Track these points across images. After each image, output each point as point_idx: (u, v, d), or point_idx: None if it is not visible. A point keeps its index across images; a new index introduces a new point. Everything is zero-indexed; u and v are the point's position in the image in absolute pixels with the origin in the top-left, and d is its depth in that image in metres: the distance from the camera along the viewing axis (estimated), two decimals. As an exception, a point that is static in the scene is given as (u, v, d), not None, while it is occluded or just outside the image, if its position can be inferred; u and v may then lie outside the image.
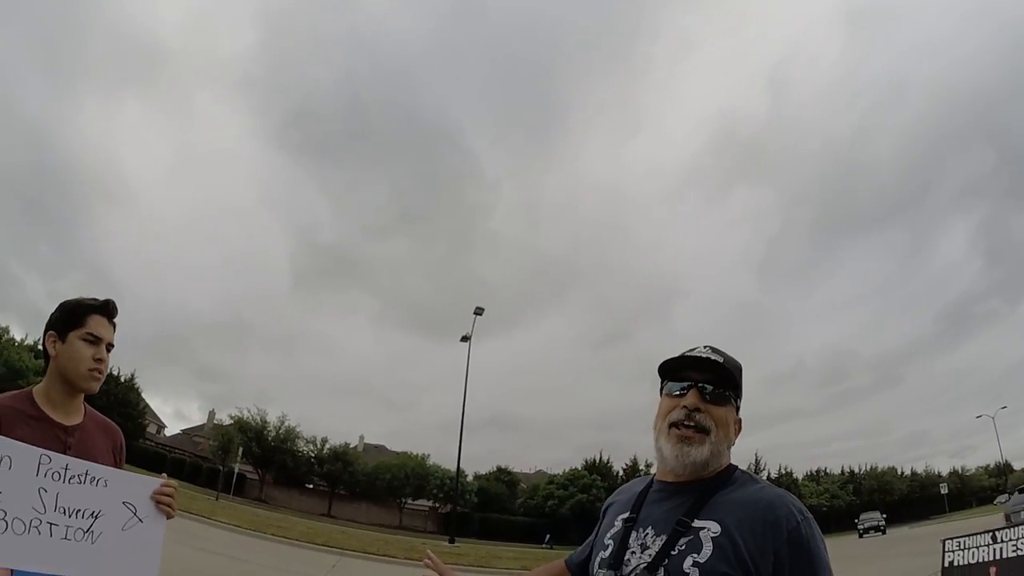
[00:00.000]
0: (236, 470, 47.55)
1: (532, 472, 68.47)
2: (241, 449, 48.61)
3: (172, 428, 76.37)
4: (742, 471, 1.66)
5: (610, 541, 1.67)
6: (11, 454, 1.82)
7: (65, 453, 2.04)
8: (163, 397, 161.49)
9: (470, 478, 58.33)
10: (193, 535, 15.63)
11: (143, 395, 58.46)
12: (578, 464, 60.13)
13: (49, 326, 2.21)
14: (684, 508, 1.55)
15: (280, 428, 57.01)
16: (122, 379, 54.36)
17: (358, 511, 55.15)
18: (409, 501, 57.31)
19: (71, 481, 1.93)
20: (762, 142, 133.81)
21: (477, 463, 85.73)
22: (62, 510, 1.89)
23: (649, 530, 1.58)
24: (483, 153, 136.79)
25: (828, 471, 62.96)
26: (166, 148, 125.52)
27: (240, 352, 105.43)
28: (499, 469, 63.30)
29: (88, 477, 1.97)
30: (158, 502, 2.12)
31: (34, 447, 1.90)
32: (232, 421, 55.70)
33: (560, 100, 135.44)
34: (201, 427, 70.32)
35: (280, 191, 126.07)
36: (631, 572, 1.52)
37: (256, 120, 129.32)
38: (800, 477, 61.23)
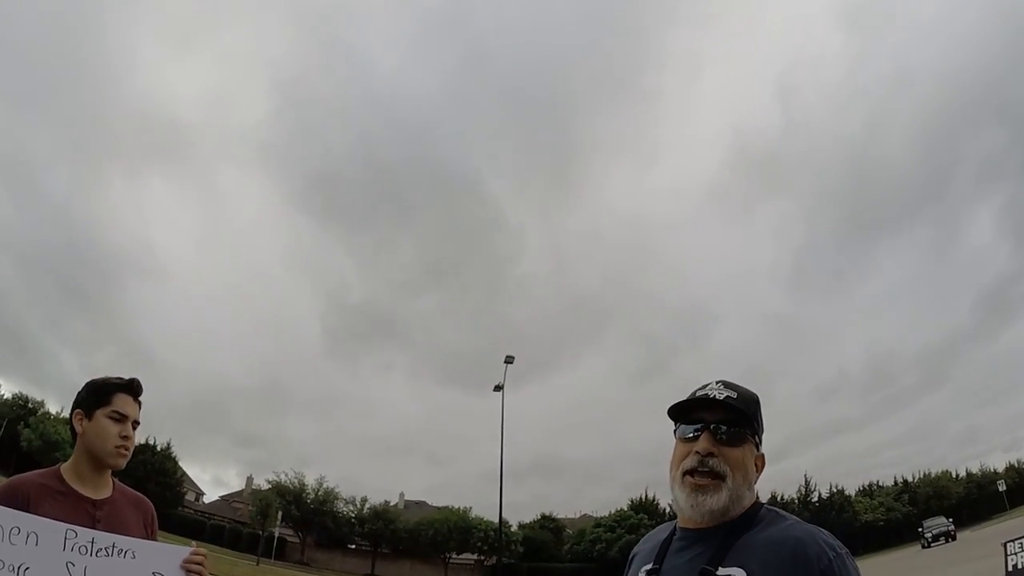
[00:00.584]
0: (276, 534, 47.26)
1: (577, 517, 67.11)
2: (280, 513, 48.51)
3: (211, 495, 76.50)
4: (769, 508, 1.57)
5: None
6: (37, 530, 1.88)
7: (94, 527, 2.08)
8: (201, 465, 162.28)
9: (515, 527, 57.42)
10: None
11: (180, 463, 58.71)
12: (624, 504, 58.89)
13: (76, 404, 2.27)
14: (707, 556, 1.47)
15: (319, 490, 56.79)
16: (158, 448, 54.63)
17: (402, 569, 54.62)
18: (454, 556, 56.29)
19: (98, 554, 1.98)
20: (777, 153, 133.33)
21: (522, 512, 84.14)
22: None
23: None
24: (505, 199, 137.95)
25: (880, 483, 60.63)
26: (192, 220, 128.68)
27: (277, 417, 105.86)
28: (543, 516, 62.06)
29: (115, 549, 2.02)
30: (188, 571, 2.16)
31: (60, 523, 1.96)
32: (270, 486, 55.49)
33: (577, 137, 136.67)
34: (240, 493, 70.36)
35: (306, 254, 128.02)
36: None
37: (278, 187, 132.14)
38: (853, 493, 59.00)
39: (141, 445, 56.63)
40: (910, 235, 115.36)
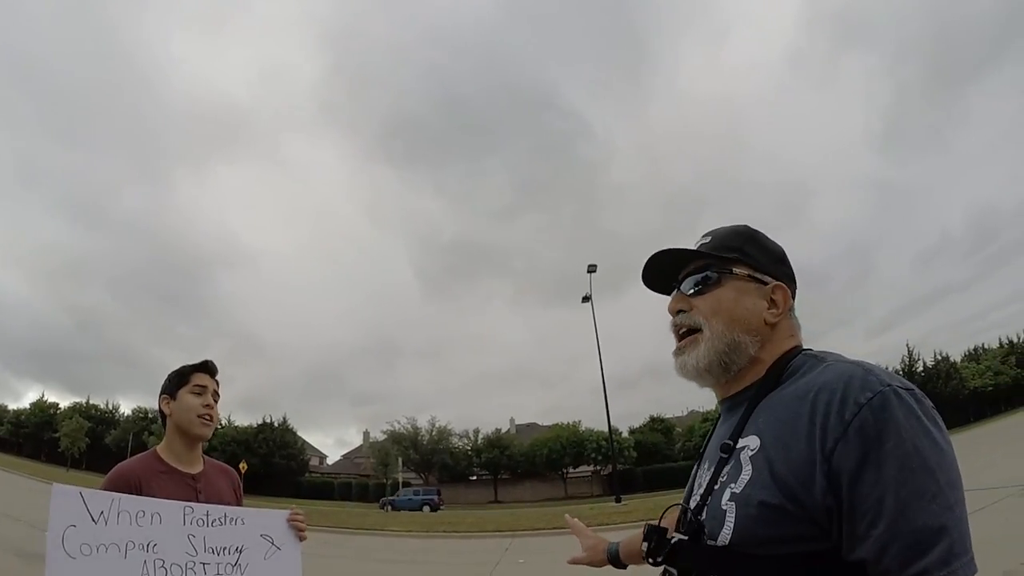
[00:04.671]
0: (400, 479, 49.44)
1: (685, 414, 67.43)
2: (400, 459, 50.60)
3: (333, 456, 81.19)
4: (810, 354, 1.21)
5: (688, 487, 1.41)
6: (159, 510, 2.14)
7: (196, 499, 2.35)
8: (324, 430, 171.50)
9: (625, 434, 58.16)
10: (371, 549, 16.52)
11: (299, 434, 62.27)
12: (729, 394, 58.57)
13: (162, 392, 2.54)
14: (732, 426, 1.22)
15: (432, 431, 59.29)
16: (276, 424, 57.86)
17: (524, 491, 56.48)
18: (570, 470, 57.90)
19: (214, 524, 2.24)
20: (850, 3, 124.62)
21: (632, 419, 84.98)
22: (211, 550, 2.19)
23: (706, 464, 1.29)
24: (586, 108, 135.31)
25: (987, 347, 58.69)
26: (268, 199, 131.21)
27: (389, 370, 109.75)
28: (652, 419, 62.70)
29: (227, 519, 2.28)
30: (294, 527, 2.45)
31: (178, 502, 2.22)
32: (386, 436, 58.26)
33: (642, 28, 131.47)
34: (359, 448, 73.79)
35: (392, 204, 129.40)
36: (689, 520, 1.22)
37: (350, 143, 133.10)
38: (958, 359, 57.02)
39: (261, 424, 60.57)
40: (1002, 76, 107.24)
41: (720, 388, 1.30)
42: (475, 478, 61.89)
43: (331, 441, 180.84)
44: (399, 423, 58.68)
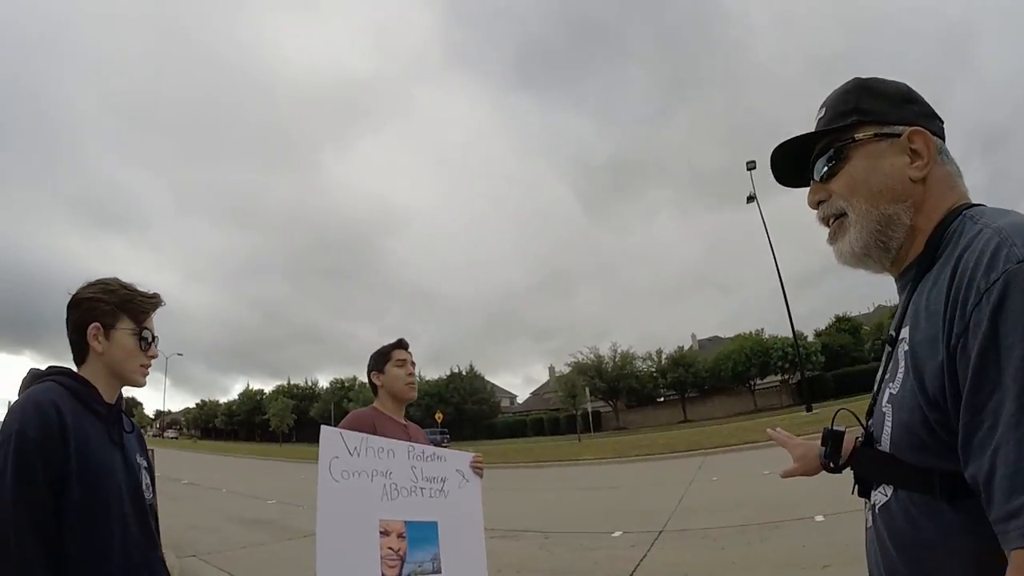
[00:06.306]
0: (589, 409, 50.61)
1: (872, 310, 63.27)
2: (587, 389, 51.81)
3: (523, 395, 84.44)
4: (969, 214, 1.06)
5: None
6: (393, 448, 2.75)
7: (408, 441, 2.99)
8: (512, 371, 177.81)
9: (811, 338, 56.04)
10: (564, 479, 17.66)
11: (487, 379, 66.19)
12: (918, 284, 54.54)
13: (370, 370, 3.29)
14: (897, 314, 1.16)
15: (615, 357, 59.98)
16: (464, 373, 61.48)
17: (712, 407, 56.07)
18: (758, 381, 56.53)
19: (428, 460, 2.88)
20: None
21: (816, 320, 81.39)
22: (425, 479, 2.82)
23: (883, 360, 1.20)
24: None
25: None
26: (414, 157, 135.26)
27: (565, 300, 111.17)
28: (838, 319, 59.64)
29: (435, 456, 2.93)
30: (475, 467, 3.08)
31: (405, 442, 2.88)
32: (570, 368, 59.49)
33: None
34: (547, 384, 76.43)
35: (537, 133, 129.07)
36: (866, 423, 1.21)
37: (483, 81, 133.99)
38: None
39: (450, 375, 65.45)
40: None
41: (891, 268, 1.21)
42: (662, 399, 62.05)
43: (519, 380, 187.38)
44: (582, 353, 59.65)
